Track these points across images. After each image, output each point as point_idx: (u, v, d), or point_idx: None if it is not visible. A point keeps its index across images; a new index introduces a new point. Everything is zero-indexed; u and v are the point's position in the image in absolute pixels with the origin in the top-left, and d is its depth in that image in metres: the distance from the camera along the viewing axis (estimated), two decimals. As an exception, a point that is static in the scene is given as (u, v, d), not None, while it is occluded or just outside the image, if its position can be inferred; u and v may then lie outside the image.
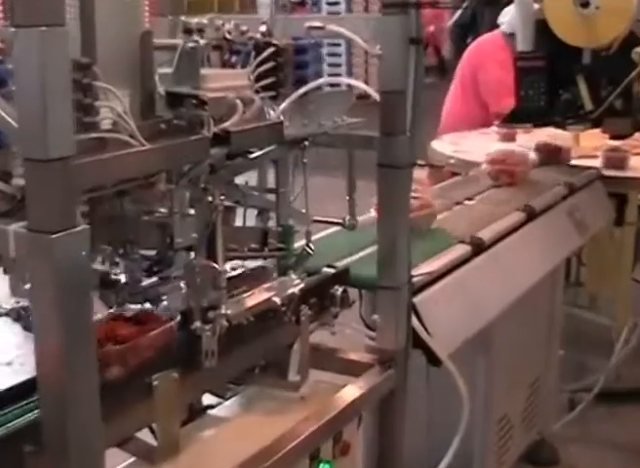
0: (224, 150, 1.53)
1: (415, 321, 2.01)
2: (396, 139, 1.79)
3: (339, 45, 12.25)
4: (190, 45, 1.49)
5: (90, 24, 1.34)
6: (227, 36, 1.75)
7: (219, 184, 1.69)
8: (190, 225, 1.52)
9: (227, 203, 1.80)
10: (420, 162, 4.10)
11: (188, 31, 1.74)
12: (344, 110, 1.95)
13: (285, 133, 1.76)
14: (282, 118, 1.70)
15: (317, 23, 1.79)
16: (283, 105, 1.71)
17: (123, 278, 1.67)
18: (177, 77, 1.50)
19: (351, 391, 1.85)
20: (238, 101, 1.58)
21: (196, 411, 1.91)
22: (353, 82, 1.83)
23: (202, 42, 1.51)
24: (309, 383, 1.93)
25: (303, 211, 2.01)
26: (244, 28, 1.77)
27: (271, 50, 1.70)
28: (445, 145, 4.14)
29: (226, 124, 1.55)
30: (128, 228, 1.53)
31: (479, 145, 3.95)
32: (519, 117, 3.38)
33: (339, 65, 12.68)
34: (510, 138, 3.97)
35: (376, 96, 1.81)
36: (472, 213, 2.76)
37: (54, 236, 1.06)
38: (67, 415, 1.09)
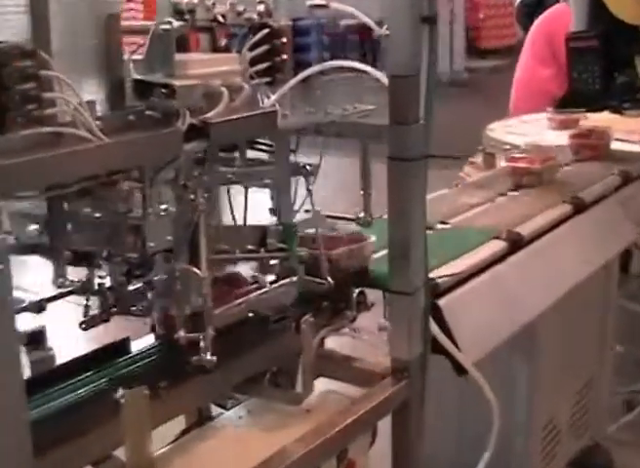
0: (203, 144, 1.38)
1: (435, 327, 1.85)
2: (408, 129, 1.62)
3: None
4: (162, 27, 1.35)
5: (42, 6, 1.21)
6: (220, 18, 1.60)
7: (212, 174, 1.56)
8: (165, 227, 1.38)
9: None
10: (480, 148, 3.98)
11: (179, 12, 1.61)
12: (357, 96, 1.79)
13: (285, 122, 1.61)
14: (277, 106, 1.54)
15: (320, 1, 1.63)
16: (278, 93, 1.55)
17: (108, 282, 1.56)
18: (148, 63, 1.36)
19: (358, 404, 1.69)
20: (223, 89, 1.43)
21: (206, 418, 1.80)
22: (360, 65, 1.66)
23: (176, 24, 1.37)
24: (318, 394, 1.79)
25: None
26: (240, 8, 1.62)
27: (265, 31, 1.55)
28: (499, 132, 3.96)
29: (209, 114, 1.41)
30: (101, 230, 1.40)
31: (536, 132, 3.74)
32: (572, 102, 3.15)
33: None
34: (570, 126, 3.70)
35: (385, 80, 1.64)
36: (513, 205, 2.56)
37: (-41, 249, 0.93)
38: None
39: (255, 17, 1.61)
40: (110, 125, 1.27)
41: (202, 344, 1.42)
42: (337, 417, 1.65)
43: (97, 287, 1.56)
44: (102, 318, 1.57)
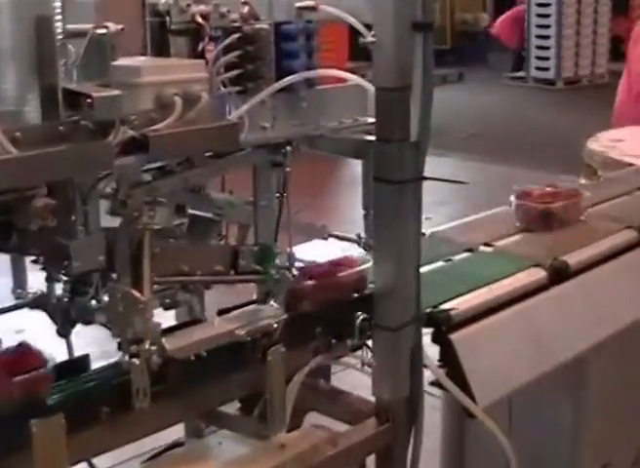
0: (142, 158, 1.27)
1: (435, 366, 1.68)
2: (395, 147, 1.45)
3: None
4: (99, 31, 1.24)
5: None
6: (200, 19, 1.49)
7: (184, 195, 1.47)
8: (94, 247, 1.28)
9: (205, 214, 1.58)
10: (589, 163, 3.77)
11: (158, 14, 1.52)
12: (359, 108, 1.64)
13: (263, 135, 1.49)
14: (245, 118, 1.42)
15: (309, 3, 1.49)
16: (248, 104, 1.43)
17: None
18: (85, 70, 1.26)
19: (332, 445, 1.55)
20: (177, 99, 1.32)
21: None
22: (345, 74, 1.51)
23: (113, 28, 1.26)
24: (303, 429, 1.66)
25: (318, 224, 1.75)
26: (223, 10, 1.50)
27: (235, 36, 1.42)
28: (602, 146, 3.74)
29: (158, 126, 1.30)
30: (36, 245, 1.32)
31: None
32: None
33: (547, 26, 11.84)
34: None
35: (371, 89, 1.48)
36: (572, 230, 2.33)
37: None
38: None
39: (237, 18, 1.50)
40: (35, 136, 1.19)
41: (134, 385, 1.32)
42: (304, 457, 1.52)
43: (55, 300, 1.49)
44: (60, 332, 1.51)
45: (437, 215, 4.57)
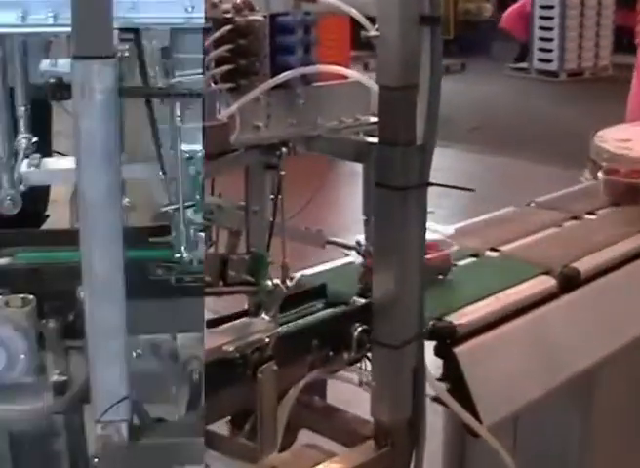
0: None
1: (439, 385, 1.57)
2: (399, 151, 1.34)
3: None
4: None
5: None
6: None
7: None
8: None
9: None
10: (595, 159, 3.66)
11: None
12: (361, 107, 1.52)
13: (256, 135, 1.38)
14: (236, 117, 1.31)
15: (308, -6, 1.38)
16: (239, 102, 1.31)
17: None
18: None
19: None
20: (161, 96, 1.21)
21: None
22: (346, 71, 1.40)
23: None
24: (296, 448, 1.55)
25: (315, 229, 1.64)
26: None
27: (227, 28, 1.31)
28: (612, 146, 3.63)
29: (140, 126, 1.19)
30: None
31: None
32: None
33: (551, 18, 11.68)
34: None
35: (374, 87, 1.37)
36: (583, 232, 2.22)
37: None
38: None
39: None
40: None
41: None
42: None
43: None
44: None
45: (439, 209, 4.48)
